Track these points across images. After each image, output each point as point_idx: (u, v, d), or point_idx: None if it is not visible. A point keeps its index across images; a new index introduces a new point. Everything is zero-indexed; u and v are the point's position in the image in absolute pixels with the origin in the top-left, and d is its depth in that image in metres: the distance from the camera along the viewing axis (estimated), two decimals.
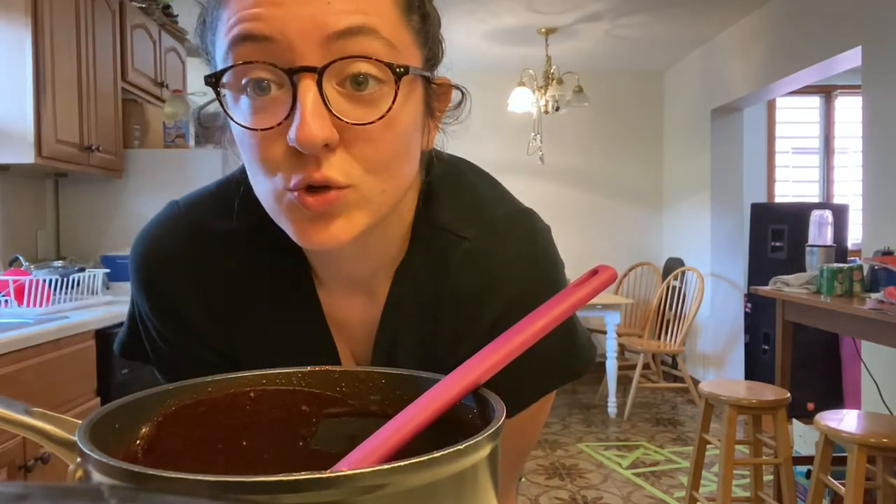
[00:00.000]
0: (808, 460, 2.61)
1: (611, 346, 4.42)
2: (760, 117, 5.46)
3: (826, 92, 5.44)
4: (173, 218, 0.69)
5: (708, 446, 2.69)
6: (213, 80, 0.54)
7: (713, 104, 4.82)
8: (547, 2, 4.03)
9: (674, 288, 5.00)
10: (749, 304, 4.88)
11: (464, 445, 0.35)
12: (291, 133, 0.50)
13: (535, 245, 0.67)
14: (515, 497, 0.75)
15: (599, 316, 4.42)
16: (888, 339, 2.23)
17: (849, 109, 5.39)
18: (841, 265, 2.64)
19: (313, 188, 0.52)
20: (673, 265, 5.35)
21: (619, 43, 4.87)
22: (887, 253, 2.62)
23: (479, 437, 0.36)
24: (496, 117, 5.25)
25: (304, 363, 0.53)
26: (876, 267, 2.58)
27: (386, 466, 0.32)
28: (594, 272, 0.49)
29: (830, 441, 2.21)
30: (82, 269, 2.62)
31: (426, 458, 0.33)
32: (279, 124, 0.51)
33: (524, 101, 4.53)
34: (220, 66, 0.54)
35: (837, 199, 5.40)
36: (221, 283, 0.67)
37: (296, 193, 0.53)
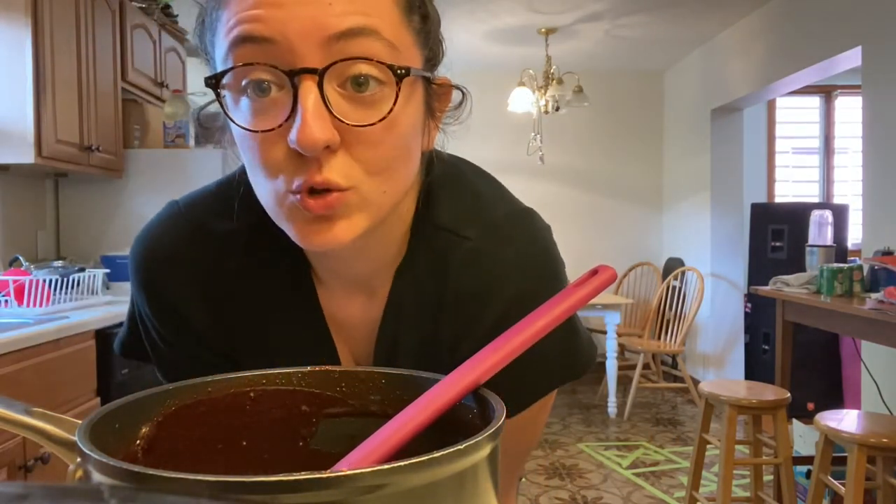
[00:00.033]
0: (808, 460, 2.61)
1: (611, 346, 4.42)
2: (760, 117, 5.46)
3: (826, 92, 5.44)
4: (173, 218, 0.69)
5: (708, 446, 2.69)
6: (214, 82, 0.53)
7: (713, 104, 4.82)
8: (547, 2, 4.03)
9: (674, 288, 5.00)
10: (749, 304, 4.88)
11: (464, 445, 0.35)
12: (292, 135, 0.50)
13: (537, 245, 0.67)
14: (516, 497, 0.75)
15: (599, 316, 4.42)
16: (888, 339, 2.23)
17: (849, 109, 5.39)
18: (841, 265, 2.64)
19: (315, 191, 0.52)
20: (673, 265, 5.35)
21: (619, 43, 4.87)
22: (887, 253, 2.62)
23: (479, 437, 0.36)
24: (496, 117, 5.25)
25: (303, 363, 0.53)
26: (876, 267, 2.58)
27: (386, 466, 0.32)
28: (594, 272, 0.49)
29: (830, 441, 2.21)
30: (82, 269, 2.62)
31: (426, 458, 0.33)
32: (280, 126, 0.51)
33: (524, 101, 4.53)
34: (220, 68, 0.54)
35: (837, 199, 5.40)
36: (221, 282, 0.67)
37: (297, 196, 0.53)
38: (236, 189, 0.65)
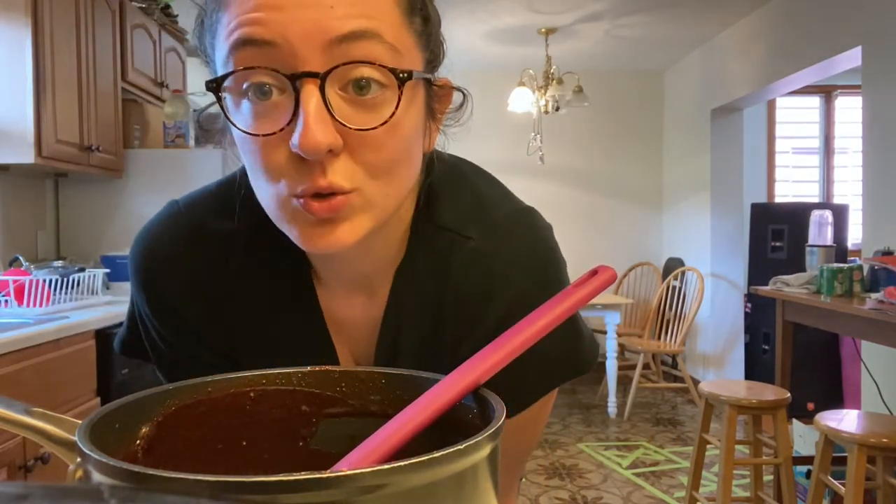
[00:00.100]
0: (808, 460, 2.61)
1: (611, 346, 4.42)
2: (760, 117, 5.46)
3: (826, 92, 5.45)
4: (173, 217, 0.69)
5: (708, 446, 2.69)
6: (214, 86, 0.53)
7: (713, 104, 4.82)
8: (547, 2, 4.03)
9: (674, 288, 5.00)
10: (749, 304, 4.88)
11: (464, 445, 0.35)
12: (295, 139, 0.50)
13: (539, 244, 0.67)
14: (516, 497, 0.75)
15: (599, 316, 4.42)
16: (888, 339, 2.23)
17: (849, 109, 5.39)
18: (841, 265, 2.64)
19: (318, 195, 0.52)
20: (673, 265, 5.35)
21: (619, 43, 4.87)
22: (887, 253, 2.62)
23: (479, 437, 0.36)
24: (496, 117, 5.26)
25: (302, 363, 0.52)
26: (876, 267, 2.58)
27: (386, 466, 0.32)
28: (594, 272, 0.49)
29: (830, 441, 2.21)
30: (82, 269, 2.62)
31: (426, 458, 0.33)
32: (281, 130, 0.51)
33: (524, 101, 4.53)
34: (220, 70, 0.54)
35: (837, 199, 5.40)
36: (221, 283, 0.67)
37: (301, 200, 0.53)
38: (237, 190, 0.65)
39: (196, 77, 3.89)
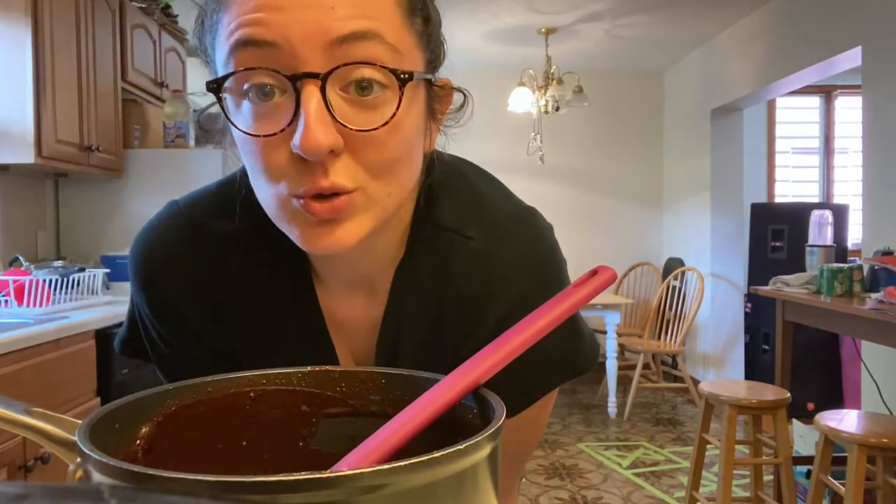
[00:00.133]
0: (808, 460, 2.61)
1: (611, 346, 4.42)
2: (760, 117, 5.46)
3: (826, 92, 5.45)
4: (173, 218, 0.69)
5: (708, 446, 2.69)
6: (215, 86, 0.53)
7: (713, 104, 4.82)
8: (547, 2, 4.03)
9: (674, 288, 5.00)
10: (749, 304, 4.88)
11: (464, 445, 0.35)
12: (296, 140, 0.50)
13: (539, 244, 0.67)
14: (516, 497, 0.75)
15: (599, 316, 4.42)
16: (888, 339, 2.23)
17: (849, 109, 5.39)
18: (841, 265, 2.64)
19: (320, 195, 0.52)
20: (673, 265, 5.35)
21: (619, 43, 4.87)
22: (887, 253, 2.62)
23: (479, 437, 0.36)
24: (496, 117, 5.26)
25: (302, 363, 0.52)
26: (876, 267, 2.59)
27: (386, 466, 0.32)
28: (594, 273, 0.49)
29: (830, 441, 2.21)
30: (82, 269, 2.62)
31: (426, 458, 0.33)
32: (282, 130, 0.51)
33: (524, 101, 4.53)
34: (220, 71, 0.54)
35: (837, 199, 5.40)
36: (221, 283, 0.67)
37: (301, 201, 0.53)
38: (237, 190, 0.65)
39: (196, 77, 3.89)
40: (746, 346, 4.85)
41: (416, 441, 0.41)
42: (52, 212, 3.22)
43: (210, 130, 0.61)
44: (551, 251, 0.68)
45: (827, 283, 2.59)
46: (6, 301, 2.30)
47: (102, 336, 2.32)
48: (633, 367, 4.78)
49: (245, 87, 0.52)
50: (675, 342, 4.72)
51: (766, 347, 4.63)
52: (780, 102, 5.45)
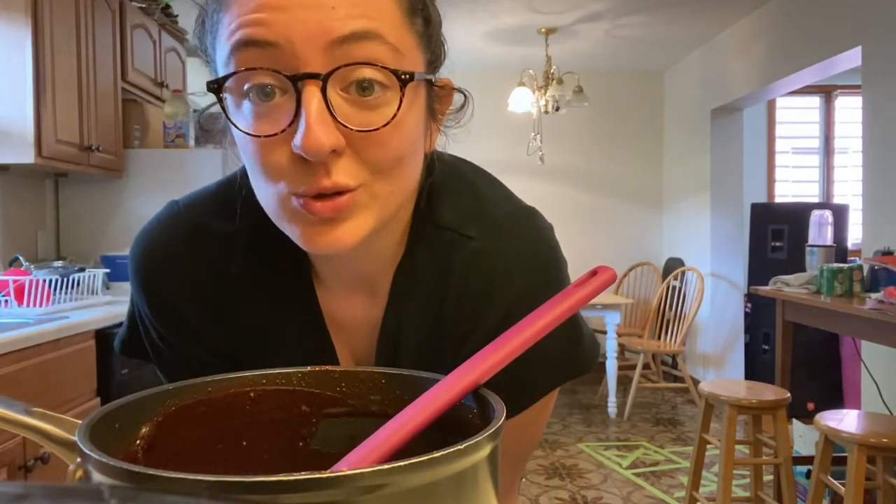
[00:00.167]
0: (808, 460, 2.61)
1: (611, 346, 4.42)
2: (760, 117, 5.46)
3: (826, 92, 5.45)
4: (173, 218, 0.69)
5: (708, 446, 2.70)
6: (216, 87, 0.53)
7: (713, 104, 4.82)
8: (547, 2, 4.03)
9: (674, 288, 5.00)
10: (749, 304, 4.88)
11: (464, 445, 0.35)
12: (297, 140, 0.50)
13: (540, 244, 0.67)
14: (516, 497, 0.75)
15: (599, 316, 4.42)
16: (888, 339, 2.23)
17: (849, 109, 5.39)
18: (841, 265, 2.64)
19: (322, 195, 0.52)
20: (673, 265, 5.35)
21: (619, 43, 4.87)
22: (887, 253, 2.62)
23: (479, 437, 0.36)
24: (496, 117, 5.26)
25: (302, 363, 0.52)
26: (876, 267, 2.59)
27: (386, 466, 0.32)
28: (594, 273, 0.49)
29: (830, 441, 2.21)
30: (82, 269, 2.62)
31: (426, 458, 0.33)
32: (283, 131, 0.51)
33: (524, 101, 4.53)
34: (221, 71, 0.54)
35: (837, 199, 5.40)
36: (221, 283, 0.67)
37: (301, 200, 0.53)
38: (238, 190, 0.65)
39: (196, 77, 3.89)
40: (746, 346, 4.85)
41: (416, 441, 0.41)
42: (52, 212, 3.22)
43: (210, 130, 0.61)
44: (551, 251, 0.68)
45: (827, 283, 2.59)
46: (6, 301, 2.30)
47: (102, 336, 2.32)
48: (633, 367, 4.78)
49: (246, 87, 0.52)
50: (675, 342, 4.72)
51: (766, 347, 4.63)
52: (780, 102, 5.45)
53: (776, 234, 4.71)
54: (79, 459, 0.37)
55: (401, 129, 0.54)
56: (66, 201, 3.25)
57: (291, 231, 0.56)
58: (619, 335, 4.78)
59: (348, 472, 0.32)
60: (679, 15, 4.28)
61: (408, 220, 0.66)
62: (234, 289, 0.67)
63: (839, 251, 3.77)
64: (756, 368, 4.72)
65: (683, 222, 5.38)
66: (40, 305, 2.32)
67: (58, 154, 2.58)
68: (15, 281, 2.31)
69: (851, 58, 3.41)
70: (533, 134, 4.87)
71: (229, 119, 0.54)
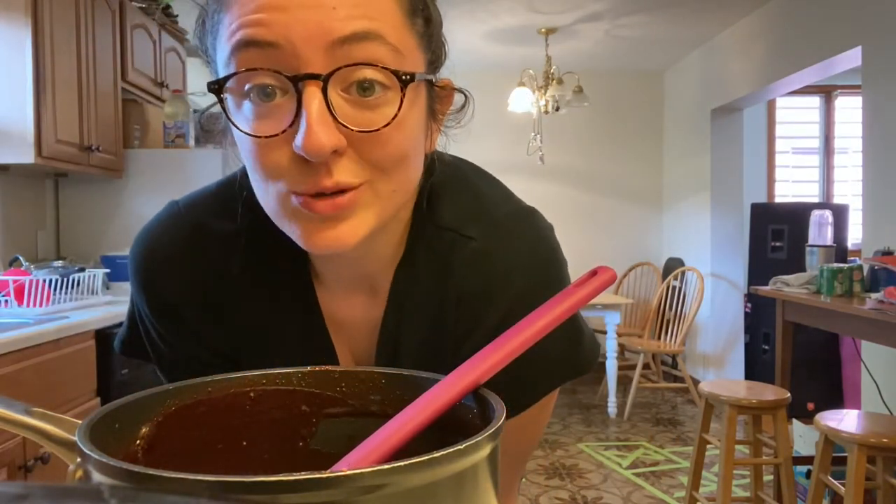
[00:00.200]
0: (808, 460, 2.61)
1: (611, 346, 4.42)
2: (760, 117, 5.46)
3: (826, 92, 5.45)
4: (173, 218, 0.69)
5: (708, 446, 2.69)
6: (216, 87, 0.53)
7: (713, 104, 4.82)
8: (547, 2, 4.03)
9: (674, 288, 5.00)
10: (749, 304, 4.88)
11: (464, 445, 0.35)
12: (298, 141, 0.50)
13: (540, 244, 0.67)
14: (516, 497, 0.75)
15: (599, 316, 4.42)
16: (888, 339, 2.23)
17: (849, 109, 5.39)
18: (841, 265, 2.64)
19: (323, 194, 0.52)
20: (673, 265, 5.35)
21: (619, 43, 4.87)
22: (887, 253, 2.62)
23: (479, 437, 0.36)
24: (496, 117, 5.26)
25: (302, 363, 0.52)
26: (876, 267, 2.59)
27: (386, 466, 0.32)
28: (594, 273, 0.49)
29: (830, 441, 2.21)
30: (82, 269, 2.62)
31: (426, 458, 0.33)
32: (284, 132, 0.51)
33: (524, 101, 4.53)
34: (221, 71, 0.54)
35: (837, 199, 5.40)
36: (221, 283, 0.67)
37: (302, 199, 0.53)
38: (238, 190, 0.65)
39: (196, 77, 3.89)
40: (746, 346, 4.85)
41: (416, 441, 0.41)
42: (52, 212, 3.22)
43: (211, 131, 0.61)
44: (552, 251, 0.68)
45: (827, 283, 2.59)
46: (6, 301, 2.30)
47: (102, 336, 2.32)
48: (633, 367, 4.78)
49: (246, 87, 0.52)
50: (675, 342, 4.72)
51: (766, 347, 4.63)
52: (780, 102, 5.45)
53: (776, 234, 4.71)
54: (79, 459, 0.37)
55: (401, 129, 0.54)
56: (66, 201, 3.25)
57: (291, 230, 0.56)
58: (619, 335, 4.78)
59: (348, 472, 0.32)
60: (679, 15, 4.28)
61: (408, 220, 0.66)
62: (234, 289, 0.67)
63: (839, 251, 3.77)
64: (756, 368, 4.72)
65: (683, 222, 5.38)
66: (40, 305, 2.32)
67: (58, 154, 2.58)
68: (15, 281, 2.31)
69: (851, 58, 3.41)
70: (533, 134, 4.87)
71: (230, 120, 0.54)
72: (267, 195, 0.55)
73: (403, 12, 0.54)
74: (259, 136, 0.52)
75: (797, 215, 4.49)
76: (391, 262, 0.66)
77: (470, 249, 0.66)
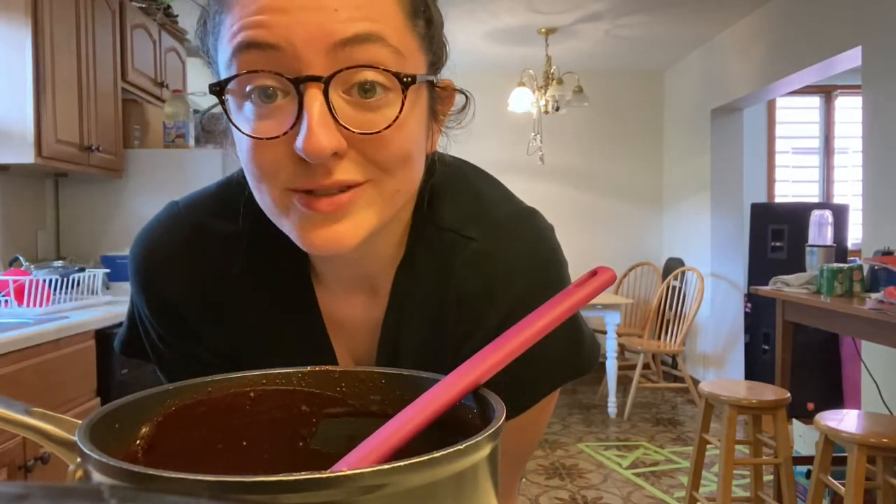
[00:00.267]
0: (808, 460, 2.61)
1: (611, 346, 4.42)
2: (760, 117, 5.46)
3: (826, 92, 5.45)
4: (173, 219, 0.69)
5: (708, 446, 2.69)
6: (218, 89, 0.53)
7: (713, 104, 4.82)
8: (547, 2, 4.03)
9: (674, 288, 5.00)
10: (749, 304, 4.88)
11: (464, 445, 0.35)
12: (299, 143, 0.50)
13: (540, 245, 0.67)
14: (516, 497, 0.75)
15: (599, 316, 4.42)
16: (888, 339, 2.23)
17: (849, 109, 5.39)
18: (841, 265, 2.64)
19: (323, 193, 0.52)
20: (673, 265, 5.35)
21: (619, 43, 4.87)
22: (887, 253, 2.62)
23: (479, 437, 0.36)
24: (496, 117, 5.26)
25: (301, 363, 0.52)
26: (876, 267, 2.59)
27: (386, 466, 0.32)
28: (593, 273, 0.49)
29: (830, 441, 2.21)
30: (82, 269, 2.62)
31: (426, 458, 0.33)
32: (285, 133, 0.51)
33: (524, 101, 4.53)
34: (223, 72, 0.54)
35: (837, 199, 5.40)
36: (221, 283, 0.67)
37: (302, 198, 0.53)
38: (239, 191, 0.65)
39: (196, 77, 3.89)
40: (746, 346, 4.85)
41: (416, 441, 0.41)
42: (52, 212, 3.22)
43: (213, 131, 0.61)
44: (552, 252, 0.68)
45: (827, 283, 2.59)
46: (6, 301, 2.30)
47: (102, 336, 2.32)
48: (633, 367, 4.78)
49: (247, 89, 0.52)
50: (675, 342, 4.72)
51: (766, 347, 4.63)
52: (780, 102, 5.45)
53: (776, 234, 4.71)
54: (79, 459, 0.37)
55: (403, 130, 0.54)
56: (66, 201, 3.25)
57: (290, 229, 0.56)
58: (619, 335, 4.78)
59: (348, 472, 0.32)
60: (679, 15, 4.28)
61: (408, 220, 0.66)
62: (233, 289, 0.67)
63: (839, 251, 3.77)
64: (756, 368, 4.72)
65: (683, 222, 5.38)
66: (40, 305, 2.32)
67: (58, 154, 2.58)
68: (15, 281, 2.31)
69: (851, 58, 3.41)
70: (533, 134, 4.87)
71: (231, 121, 0.54)
72: (263, 194, 0.55)
73: (405, 14, 0.54)
74: (260, 138, 0.52)
75: (797, 215, 4.49)
76: (391, 262, 0.66)
77: (470, 250, 0.66)
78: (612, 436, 4.12)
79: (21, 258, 2.61)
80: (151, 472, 0.32)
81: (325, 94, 0.50)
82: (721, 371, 4.92)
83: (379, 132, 0.52)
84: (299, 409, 0.51)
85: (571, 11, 4.20)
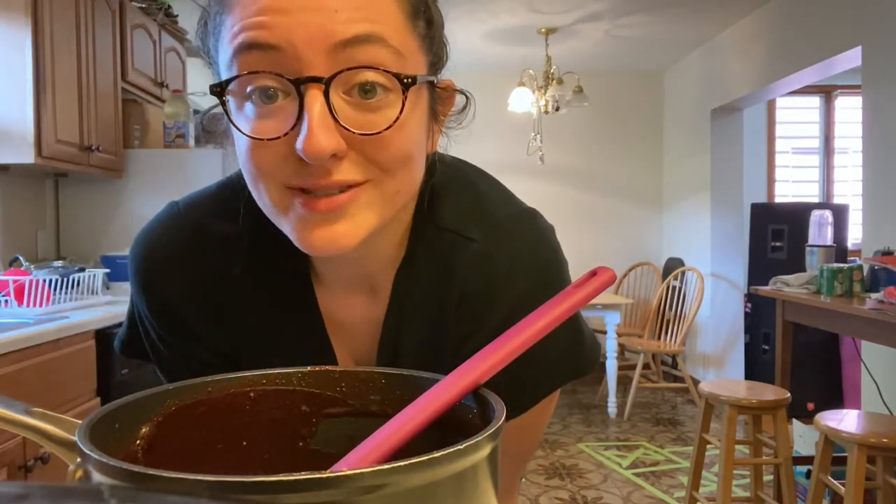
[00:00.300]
0: (808, 460, 2.61)
1: (611, 346, 4.42)
2: (760, 117, 5.46)
3: (826, 92, 5.45)
4: (173, 219, 0.69)
5: (708, 446, 2.69)
6: (218, 90, 0.53)
7: (713, 104, 4.82)
8: (547, 2, 4.03)
9: (674, 288, 5.00)
10: (749, 304, 4.88)
11: (464, 445, 0.35)
12: (299, 144, 0.50)
13: (541, 245, 0.67)
14: (517, 497, 0.75)
15: (599, 316, 4.42)
16: (888, 339, 2.23)
17: (849, 109, 5.39)
18: (841, 265, 2.64)
19: (323, 193, 0.52)
20: (673, 265, 5.35)
21: (619, 43, 4.87)
22: (887, 253, 2.62)
23: (479, 437, 0.36)
24: (496, 117, 5.25)
25: (301, 364, 0.52)
26: (876, 267, 2.59)
27: (386, 466, 0.32)
28: (593, 273, 0.49)
29: (830, 441, 2.21)
30: (82, 269, 2.62)
31: (426, 458, 0.33)
32: (285, 134, 0.51)
33: (524, 101, 4.53)
34: (223, 73, 0.54)
35: (837, 199, 5.40)
36: (220, 284, 0.67)
37: (301, 198, 0.53)
38: (239, 191, 0.65)
39: (196, 77, 3.89)
40: (746, 346, 4.85)
41: (416, 441, 0.41)
42: (52, 212, 3.22)
43: (213, 131, 0.61)
44: (553, 252, 0.68)
45: (827, 283, 2.59)
46: (6, 301, 2.30)
47: (102, 336, 2.32)
48: (633, 367, 4.78)
49: (248, 89, 0.52)
50: (675, 342, 4.72)
51: (766, 347, 4.63)
52: (780, 102, 5.45)
53: (776, 234, 4.71)
54: (79, 459, 0.37)
55: (403, 131, 0.54)
56: (66, 201, 3.25)
57: (289, 230, 0.56)
58: (619, 335, 4.78)
59: (348, 472, 0.32)
60: (679, 15, 4.28)
61: (409, 221, 0.66)
62: (233, 289, 0.67)
63: (839, 251, 3.77)
64: (756, 368, 4.72)
65: (683, 222, 5.38)
66: (40, 305, 2.32)
67: (58, 154, 2.58)
68: (15, 281, 2.31)
69: (851, 58, 3.41)
70: (533, 134, 4.87)
71: (232, 122, 0.54)
72: (262, 194, 0.55)
73: (405, 15, 0.54)
74: (261, 139, 0.52)
75: (797, 215, 4.49)
76: (392, 262, 0.66)
77: (471, 251, 0.66)
78: (612, 436, 4.12)
79: (21, 258, 2.61)
80: (151, 472, 0.32)
81: (326, 94, 0.50)
82: (721, 371, 4.92)
83: (379, 133, 0.52)
84: (299, 409, 0.51)
85: (571, 11, 4.20)
